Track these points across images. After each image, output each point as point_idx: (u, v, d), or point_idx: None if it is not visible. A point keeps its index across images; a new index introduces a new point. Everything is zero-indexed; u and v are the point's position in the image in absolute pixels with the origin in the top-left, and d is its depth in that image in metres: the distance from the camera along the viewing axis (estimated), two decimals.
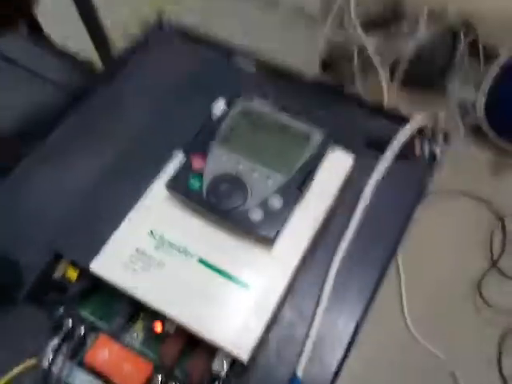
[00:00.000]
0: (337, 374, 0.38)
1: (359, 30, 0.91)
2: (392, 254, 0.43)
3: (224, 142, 0.40)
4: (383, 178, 0.45)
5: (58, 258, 0.39)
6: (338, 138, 0.42)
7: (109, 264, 0.36)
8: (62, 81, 0.64)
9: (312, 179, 0.38)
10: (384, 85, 0.98)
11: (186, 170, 0.38)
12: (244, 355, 0.33)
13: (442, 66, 1.00)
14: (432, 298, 0.87)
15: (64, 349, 0.36)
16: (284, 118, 0.41)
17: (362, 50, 0.94)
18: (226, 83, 0.48)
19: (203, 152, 0.39)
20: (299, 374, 0.37)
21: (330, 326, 0.40)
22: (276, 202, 0.36)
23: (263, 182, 0.37)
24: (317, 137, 0.39)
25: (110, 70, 0.53)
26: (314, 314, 0.39)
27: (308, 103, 0.50)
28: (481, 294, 0.86)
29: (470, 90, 1.01)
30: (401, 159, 0.48)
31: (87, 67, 0.74)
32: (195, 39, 0.56)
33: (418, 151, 0.48)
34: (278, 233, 0.36)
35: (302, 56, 1.07)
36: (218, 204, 0.36)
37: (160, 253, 0.36)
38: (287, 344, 0.39)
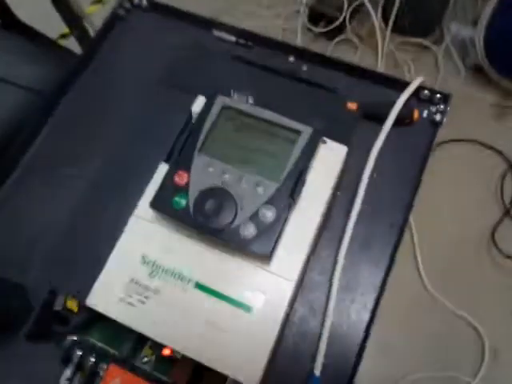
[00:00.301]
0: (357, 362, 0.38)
1: None
2: (404, 223, 0.42)
3: (207, 149, 0.36)
4: (386, 146, 0.43)
5: (53, 293, 0.38)
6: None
7: (104, 298, 0.34)
8: (34, 85, 0.61)
9: (304, 182, 0.35)
10: (377, 31, 0.93)
11: (169, 187, 0.35)
12: (253, 383, 0.32)
13: (438, 9, 0.94)
14: (447, 254, 0.85)
15: (76, 381, 0.35)
16: (268, 115, 0.37)
17: None
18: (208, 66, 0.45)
19: (185, 165, 0.35)
20: (317, 372, 0.37)
21: (344, 317, 0.39)
22: (268, 214, 0.33)
23: (252, 192, 0.34)
24: (306, 132, 0.35)
25: (83, 63, 0.50)
26: (327, 306, 0.38)
27: (297, 70, 0.48)
28: (496, 244, 0.84)
29: (468, 29, 0.95)
30: (401, 126, 0.45)
31: (64, 57, 0.71)
32: (174, 14, 0.53)
33: (416, 116, 0.45)
34: (273, 248, 0.33)
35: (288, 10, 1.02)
36: (206, 223, 0.33)
37: (155, 280, 0.34)
38: (302, 340, 0.38)
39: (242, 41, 0.49)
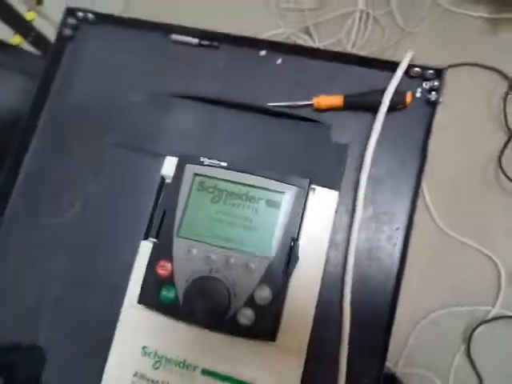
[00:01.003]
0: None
1: None
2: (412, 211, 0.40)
3: (185, 230, 0.33)
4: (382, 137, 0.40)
5: None
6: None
7: None
8: None
9: (297, 254, 0.31)
10: None
11: (153, 279, 0.32)
12: None
13: None
14: (454, 185, 0.84)
15: None
16: (245, 178, 0.33)
17: None
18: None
19: (166, 252, 0.32)
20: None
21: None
22: (264, 295, 0.31)
23: (244, 274, 0.31)
24: (290, 192, 0.32)
25: (40, 96, 0.46)
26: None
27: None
28: (503, 169, 0.82)
29: None
30: (394, 112, 0.42)
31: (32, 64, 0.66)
32: (127, 24, 0.47)
33: (409, 100, 0.42)
34: (276, 329, 0.31)
35: None
36: (200, 315, 0.31)
37: (160, 372, 0.33)
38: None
39: (205, 42, 0.45)
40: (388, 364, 0.82)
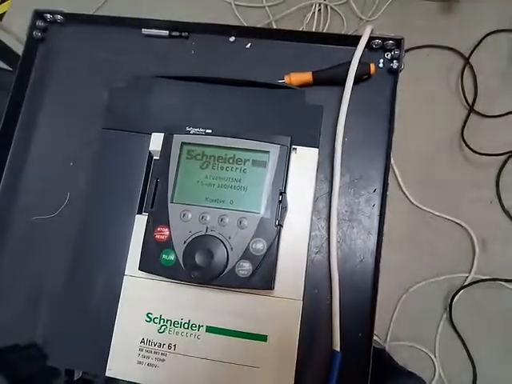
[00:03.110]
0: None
1: None
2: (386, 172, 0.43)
3: (179, 196, 0.35)
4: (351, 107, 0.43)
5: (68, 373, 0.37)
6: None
7: (123, 365, 0.35)
8: None
9: (286, 206, 0.34)
10: None
11: (152, 245, 0.34)
12: None
13: None
14: (423, 163, 0.88)
15: None
16: (230, 142, 0.35)
17: None
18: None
19: (162, 218, 0.34)
20: (337, 347, 0.39)
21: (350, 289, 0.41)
22: (259, 247, 0.33)
23: (238, 230, 0.34)
24: (274, 151, 0.34)
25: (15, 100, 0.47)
26: (331, 284, 0.40)
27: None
28: (466, 142, 0.87)
29: None
30: (360, 82, 0.45)
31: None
32: (96, 22, 0.49)
33: (373, 70, 0.44)
34: (273, 277, 0.33)
35: None
36: (201, 274, 0.33)
37: (166, 335, 0.35)
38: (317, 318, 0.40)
39: (175, 33, 0.46)
40: (377, 339, 0.85)
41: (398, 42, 0.44)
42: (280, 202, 0.34)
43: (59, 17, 0.48)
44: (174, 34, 0.46)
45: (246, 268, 0.33)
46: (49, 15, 0.48)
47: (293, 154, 0.36)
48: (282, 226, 0.34)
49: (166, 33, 0.46)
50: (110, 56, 0.47)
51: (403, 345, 0.84)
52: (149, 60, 0.47)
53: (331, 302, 0.39)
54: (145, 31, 0.47)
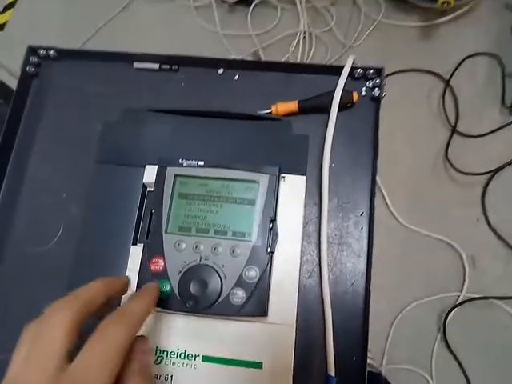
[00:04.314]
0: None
1: None
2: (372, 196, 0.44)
3: (173, 227, 0.36)
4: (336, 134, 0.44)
5: None
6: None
7: None
8: None
9: (277, 234, 0.35)
10: None
11: (147, 276, 0.35)
12: None
13: None
14: (409, 184, 0.89)
15: None
16: (222, 173, 0.36)
17: None
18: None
19: (157, 249, 0.35)
20: (331, 372, 0.40)
21: (341, 306, 0.42)
22: (252, 274, 0.34)
23: (231, 258, 0.34)
24: (263, 181, 0.36)
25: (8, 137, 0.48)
26: (324, 308, 0.41)
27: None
28: (450, 162, 0.88)
29: None
30: (344, 110, 0.46)
31: None
32: (87, 57, 0.50)
33: (356, 98, 0.46)
34: (266, 304, 0.34)
35: None
36: (196, 303, 0.34)
37: (163, 366, 0.35)
38: (311, 345, 0.41)
39: (166, 66, 0.48)
40: (373, 362, 0.84)
41: (379, 71, 0.47)
42: (271, 229, 0.35)
43: (52, 52, 0.49)
44: (164, 67, 0.48)
45: (239, 296, 0.34)
46: (42, 51, 0.50)
47: (281, 182, 0.37)
48: (273, 253, 0.35)
49: (156, 66, 0.48)
50: (101, 89, 0.49)
51: (399, 368, 0.84)
52: (140, 92, 0.48)
53: (324, 326, 0.40)
54: (136, 65, 0.48)
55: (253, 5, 0.94)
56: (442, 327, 0.83)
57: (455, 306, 0.83)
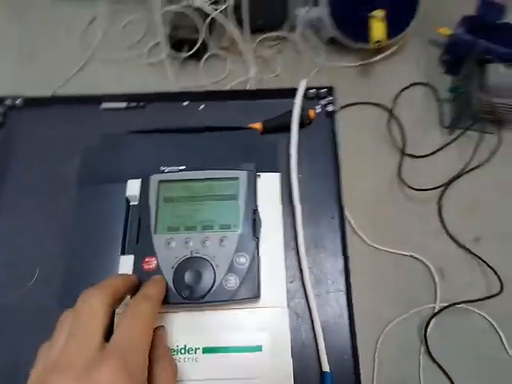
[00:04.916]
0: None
1: None
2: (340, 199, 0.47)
3: (162, 227, 0.37)
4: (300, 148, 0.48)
5: None
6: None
7: None
8: None
9: (260, 220, 0.38)
10: (237, 38, 0.98)
11: (142, 276, 0.36)
12: None
13: (281, 1, 1.02)
14: (370, 205, 0.94)
15: None
16: (203, 174, 0.39)
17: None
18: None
19: (148, 250, 0.36)
20: (326, 368, 0.40)
21: (327, 307, 0.43)
22: (242, 260, 0.36)
23: (221, 248, 0.36)
24: (242, 176, 0.39)
25: None
26: (310, 307, 0.42)
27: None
28: (404, 182, 0.95)
29: (313, 10, 1.04)
30: (303, 127, 0.51)
31: None
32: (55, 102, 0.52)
33: (313, 115, 0.51)
34: (259, 285, 0.36)
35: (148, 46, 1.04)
36: (192, 292, 0.35)
37: None
38: (303, 345, 0.42)
39: (132, 104, 0.51)
40: None
41: (330, 90, 0.52)
42: (254, 218, 0.37)
43: (18, 101, 0.51)
44: (131, 105, 0.51)
45: (232, 281, 0.36)
46: (8, 100, 0.51)
47: (258, 180, 0.40)
48: (258, 238, 0.37)
49: (123, 105, 0.51)
50: (70, 132, 0.50)
51: None
52: (108, 131, 0.51)
53: (313, 326, 0.41)
54: (104, 105, 0.51)
55: (203, 59, 1.01)
56: (424, 339, 0.85)
57: (432, 317, 0.85)
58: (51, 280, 0.43)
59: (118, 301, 0.32)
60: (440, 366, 0.83)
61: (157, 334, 0.32)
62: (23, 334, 0.41)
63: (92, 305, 0.29)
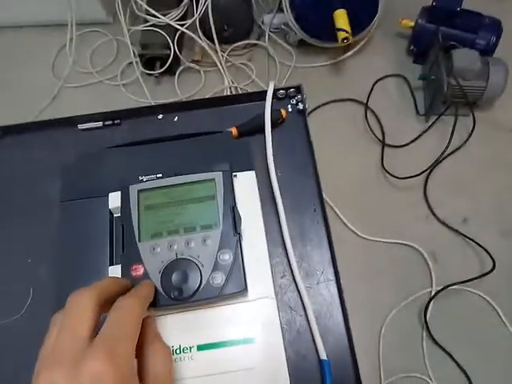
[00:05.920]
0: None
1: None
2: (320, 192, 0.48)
3: (145, 235, 0.38)
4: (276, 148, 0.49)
5: None
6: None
7: None
8: None
9: (240, 216, 0.39)
10: (207, 50, 1.00)
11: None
12: None
13: (246, 10, 1.04)
14: (357, 198, 0.96)
15: None
16: (181, 179, 0.40)
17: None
18: None
19: (135, 257, 0.37)
20: (323, 356, 0.41)
21: (319, 298, 0.44)
22: (226, 257, 0.37)
23: (204, 248, 0.37)
24: (218, 177, 0.40)
25: None
26: (302, 299, 0.43)
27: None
28: (387, 171, 0.96)
29: (278, 16, 1.07)
30: (277, 127, 0.52)
31: None
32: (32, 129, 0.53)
33: (285, 115, 0.52)
34: (245, 279, 0.37)
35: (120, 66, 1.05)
36: (181, 293, 0.36)
37: None
38: (298, 337, 0.42)
39: (108, 122, 0.52)
40: None
41: (298, 88, 0.53)
42: (233, 212, 0.39)
43: None
44: (107, 123, 0.51)
45: (218, 278, 0.37)
46: None
47: (235, 180, 0.41)
48: (240, 234, 0.38)
49: (100, 124, 0.51)
50: (48, 155, 0.51)
51: (398, 378, 0.84)
52: (87, 151, 0.51)
53: (307, 316, 0.42)
54: (81, 126, 0.52)
55: (177, 73, 1.03)
56: (425, 324, 0.86)
57: (430, 301, 0.86)
58: (45, 300, 0.43)
59: (107, 300, 0.32)
60: (444, 349, 0.84)
61: (145, 322, 0.33)
62: (21, 355, 0.41)
63: (80, 301, 0.30)
